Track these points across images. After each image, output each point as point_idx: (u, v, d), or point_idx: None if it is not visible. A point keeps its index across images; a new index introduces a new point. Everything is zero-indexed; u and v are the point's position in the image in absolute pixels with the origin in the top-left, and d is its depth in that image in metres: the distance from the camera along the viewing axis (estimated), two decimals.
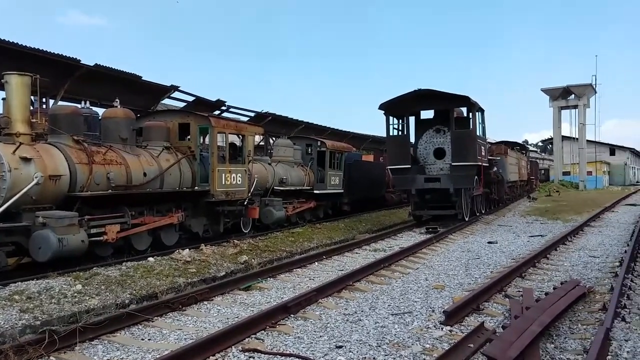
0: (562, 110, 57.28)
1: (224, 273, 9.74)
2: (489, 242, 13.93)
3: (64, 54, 15.24)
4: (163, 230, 11.51)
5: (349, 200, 21.09)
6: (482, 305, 7.15)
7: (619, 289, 7.26)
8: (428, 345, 5.66)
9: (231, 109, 23.02)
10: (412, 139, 18.26)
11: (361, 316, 6.89)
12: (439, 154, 17.68)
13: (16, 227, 8.64)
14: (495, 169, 22.39)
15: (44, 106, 14.99)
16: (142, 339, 6.06)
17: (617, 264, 9.94)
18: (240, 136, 14.04)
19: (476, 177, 17.91)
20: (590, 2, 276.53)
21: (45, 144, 9.73)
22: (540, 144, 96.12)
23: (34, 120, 9.89)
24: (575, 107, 56.38)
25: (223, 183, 12.85)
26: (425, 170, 17.69)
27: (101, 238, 9.72)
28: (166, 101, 21.25)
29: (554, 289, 7.77)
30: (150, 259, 9.94)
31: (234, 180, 13.23)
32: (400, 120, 17.95)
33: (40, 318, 6.46)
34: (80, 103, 14.09)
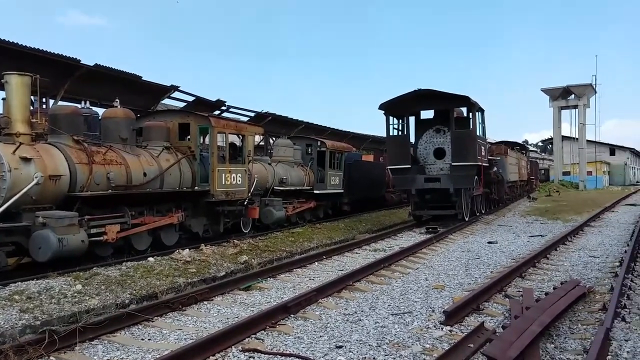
0: (562, 110, 57.30)
1: (224, 273, 9.74)
2: (489, 242, 13.93)
3: (64, 54, 15.25)
4: (163, 230, 11.51)
5: (349, 200, 21.09)
6: (482, 305, 7.15)
7: (619, 289, 7.26)
8: (428, 345, 5.66)
9: (231, 109, 23.03)
10: (412, 139, 18.26)
11: (361, 316, 6.89)
12: (439, 154, 17.68)
13: (16, 227, 8.64)
14: (495, 169, 22.39)
15: (44, 106, 15.00)
16: (142, 339, 6.06)
17: (617, 264, 9.94)
18: (240, 136, 14.04)
19: (476, 177, 17.91)
20: (590, 2, 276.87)
21: (45, 144, 9.72)
22: (540, 144, 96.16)
23: (34, 120, 9.89)
24: (575, 107, 56.39)
25: (223, 183, 12.85)
26: (425, 170, 17.68)
27: (101, 238, 9.72)
28: (166, 101, 21.26)
29: (554, 289, 7.77)
30: (150, 259, 9.94)
31: (234, 180, 13.23)
32: (400, 120, 17.95)
33: (40, 318, 6.46)
34: (80, 103, 14.10)
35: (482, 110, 18.26)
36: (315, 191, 18.56)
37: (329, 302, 7.66)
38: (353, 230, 16.80)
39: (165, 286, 8.31)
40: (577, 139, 57.05)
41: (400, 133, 17.96)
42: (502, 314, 6.92)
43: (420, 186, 17.15)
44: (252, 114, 24.25)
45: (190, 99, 20.85)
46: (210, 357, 5.34)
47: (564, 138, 60.49)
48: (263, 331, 6.18)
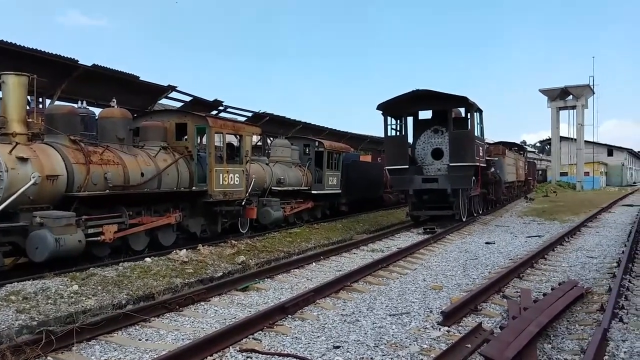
0: (560, 111, 57.33)
1: (221, 273, 9.72)
2: (487, 243, 13.94)
3: (62, 54, 15.25)
4: (160, 231, 11.50)
5: (347, 200, 21.10)
6: (480, 305, 7.15)
7: (616, 290, 7.28)
8: (426, 346, 5.66)
9: (229, 109, 23.03)
10: (410, 140, 18.28)
11: (359, 317, 6.89)
12: (437, 154, 17.70)
13: (13, 227, 8.61)
14: (493, 169, 22.42)
15: (41, 106, 14.97)
16: (140, 340, 6.05)
17: (615, 264, 9.96)
18: (237, 136, 14.03)
19: (474, 177, 17.93)
20: (590, 2, 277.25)
21: (42, 143, 9.70)
22: (538, 144, 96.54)
23: (30, 120, 9.87)
24: (573, 107, 56.42)
25: (221, 183, 12.83)
26: (423, 170, 17.70)
27: (98, 238, 9.70)
28: (163, 101, 21.25)
29: (551, 289, 7.78)
30: (148, 259, 9.92)
31: (231, 180, 13.21)
32: (398, 121, 17.97)
33: (36, 318, 6.44)
34: (77, 103, 14.06)
35: (480, 111, 18.28)
36: (312, 191, 18.55)
37: (327, 302, 7.66)
38: (351, 231, 16.79)
39: (162, 287, 8.29)
40: (575, 139, 57.10)
41: (398, 133, 17.98)
42: (499, 314, 6.92)
43: (418, 186, 17.16)
44: (250, 114, 24.25)
45: (188, 99, 20.85)
46: (208, 357, 5.33)
47: (562, 139, 60.53)
48: (260, 331, 6.17)
